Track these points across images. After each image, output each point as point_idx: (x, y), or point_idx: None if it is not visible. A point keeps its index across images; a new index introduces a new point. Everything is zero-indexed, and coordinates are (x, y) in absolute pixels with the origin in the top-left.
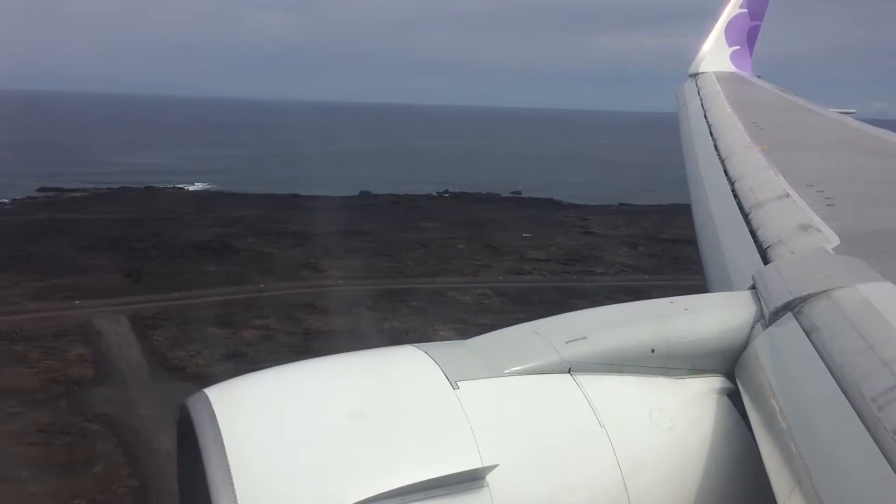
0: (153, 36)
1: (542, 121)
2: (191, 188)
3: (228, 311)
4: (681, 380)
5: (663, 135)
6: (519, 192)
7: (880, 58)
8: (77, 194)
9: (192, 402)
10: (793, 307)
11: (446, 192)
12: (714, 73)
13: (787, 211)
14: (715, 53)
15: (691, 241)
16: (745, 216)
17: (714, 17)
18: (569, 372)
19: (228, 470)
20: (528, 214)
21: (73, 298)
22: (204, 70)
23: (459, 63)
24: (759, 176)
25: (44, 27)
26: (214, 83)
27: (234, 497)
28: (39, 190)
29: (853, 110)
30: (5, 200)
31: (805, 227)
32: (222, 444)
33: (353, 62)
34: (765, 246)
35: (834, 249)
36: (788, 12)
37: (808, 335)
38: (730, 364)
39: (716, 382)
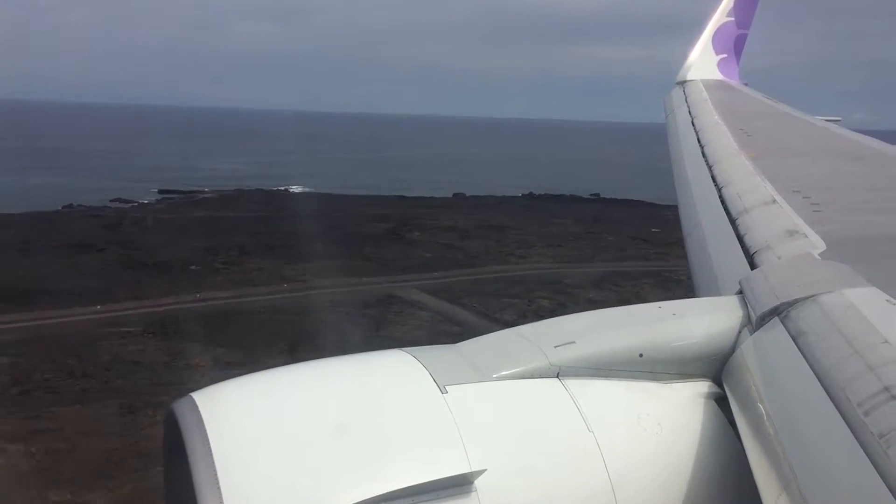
0: (144, 47)
1: (539, 131)
2: (293, 190)
3: (496, 287)
4: (669, 384)
5: (665, 144)
6: (597, 194)
7: (860, 70)
8: (208, 195)
9: (179, 407)
10: (779, 312)
11: (531, 193)
12: (701, 80)
13: (773, 217)
14: (702, 61)
15: None
16: (733, 222)
17: (701, 26)
18: (557, 376)
19: (215, 474)
20: (636, 213)
21: (340, 277)
22: (194, 80)
23: (445, 73)
24: (747, 182)
25: (28, 37)
26: (206, 93)
27: (221, 502)
28: (161, 192)
29: (838, 118)
30: (145, 201)
31: (792, 233)
32: (209, 448)
33: (341, 73)
34: (752, 251)
35: (820, 255)
36: (772, 26)
37: (794, 340)
38: (717, 369)
39: (703, 387)
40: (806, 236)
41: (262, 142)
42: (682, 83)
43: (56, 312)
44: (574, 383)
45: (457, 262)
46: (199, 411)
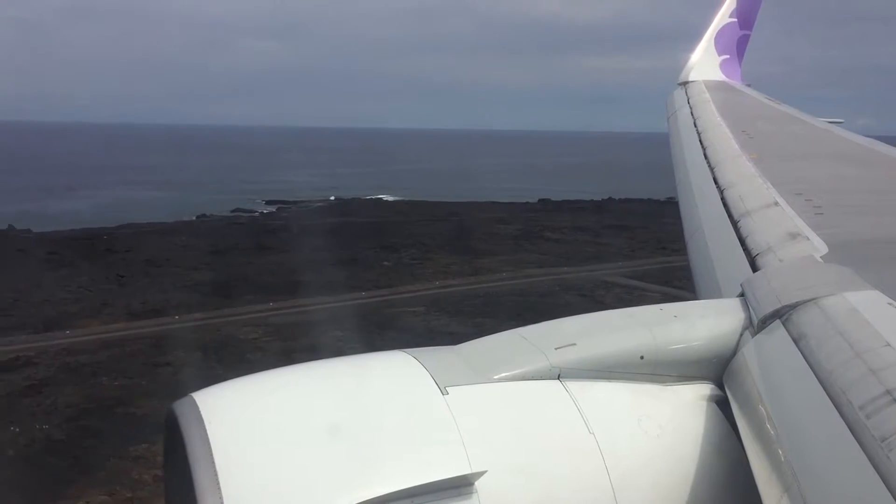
0: (147, 66)
1: (551, 142)
2: (386, 198)
3: (681, 275)
4: (670, 387)
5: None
6: (672, 197)
7: (865, 75)
8: (319, 204)
9: (180, 407)
10: (781, 315)
11: (610, 198)
12: (703, 81)
13: (775, 219)
14: (704, 62)
15: None
16: (735, 224)
17: (704, 27)
18: (558, 378)
19: (216, 474)
20: None
21: (535, 268)
22: (198, 99)
23: (441, 87)
24: (749, 184)
25: (31, 58)
26: (211, 112)
27: (221, 502)
28: (267, 203)
29: (841, 120)
30: (265, 211)
31: (794, 236)
32: (210, 448)
33: (342, 88)
34: (754, 254)
35: (822, 258)
36: (776, 33)
37: (796, 343)
38: (719, 371)
39: (705, 390)
40: (808, 239)
41: (306, 157)
42: (684, 84)
43: (327, 298)
44: (575, 385)
45: (624, 255)
46: (199, 411)
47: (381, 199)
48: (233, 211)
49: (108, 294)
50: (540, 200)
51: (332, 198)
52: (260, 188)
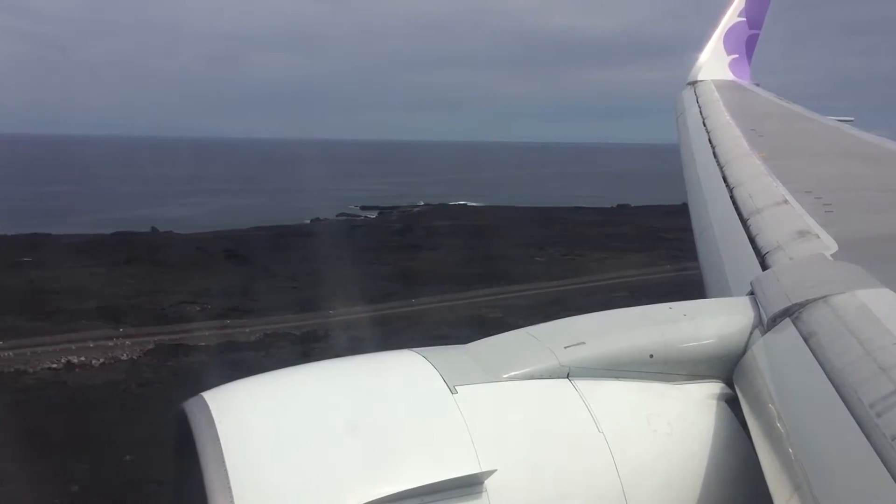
0: (164, 79)
1: (573, 153)
2: (470, 204)
3: None
4: (679, 385)
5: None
6: None
7: (877, 86)
8: (419, 208)
9: (190, 406)
10: (791, 313)
11: (684, 203)
12: (713, 80)
13: (785, 217)
14: (713, 61)
15: None
16: (744, 222)
17: (713, 30)
18: (567, 377)
19: (226, 474)
20: None
21: (684, 261)
22: (216, 111)
23: (459, 100)
24: (758, 182)
25: (51, 73)
26: (231, 124)
27: (232, 501)
28: (363, 208)
29: (851, 118)
30: (370, 216)
31: (803, 234)
32: (220, 448)
33: (354, 100)
34: (763, 252)
35: (832, 256)
36: (785, 42)
37: (806, 341)
38: (728, 370)
39: (714, 388)
40: (818, 237)
41: (351, 167)
42: (693, 83)
43: (522, 287)
44: (584, 384)
45: None
46: (209, 411)
47: (465, 205)
48: (338, 215)
49: (317, 284)
50: (618, 206)
51: (422, 203)
52: (342, 195)
